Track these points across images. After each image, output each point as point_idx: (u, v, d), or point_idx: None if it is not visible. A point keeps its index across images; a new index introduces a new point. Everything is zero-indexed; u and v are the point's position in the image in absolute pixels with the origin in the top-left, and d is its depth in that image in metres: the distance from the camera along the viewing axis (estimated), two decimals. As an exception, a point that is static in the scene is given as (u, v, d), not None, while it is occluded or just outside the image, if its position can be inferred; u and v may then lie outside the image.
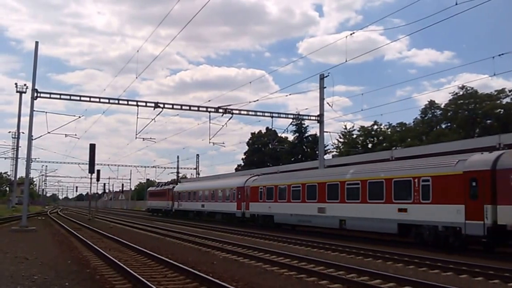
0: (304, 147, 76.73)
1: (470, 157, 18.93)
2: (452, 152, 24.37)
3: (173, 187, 57.96)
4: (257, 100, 36.23)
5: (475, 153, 19.68)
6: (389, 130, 69.92)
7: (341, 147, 68.83)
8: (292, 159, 71.90)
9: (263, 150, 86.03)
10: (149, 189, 78.06)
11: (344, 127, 69.94)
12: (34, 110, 29.64)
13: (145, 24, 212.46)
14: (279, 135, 58.06)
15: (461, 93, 58.22)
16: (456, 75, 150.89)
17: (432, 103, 63.55)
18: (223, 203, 40.11)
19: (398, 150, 45.25)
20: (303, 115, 36.23)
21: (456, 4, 19.41)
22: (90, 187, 57.71)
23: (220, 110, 33.59)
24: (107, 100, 32.26)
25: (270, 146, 71.19)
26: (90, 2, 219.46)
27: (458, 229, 18.37)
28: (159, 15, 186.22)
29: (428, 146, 37.28)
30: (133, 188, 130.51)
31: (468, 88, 57.46)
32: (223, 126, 35.48)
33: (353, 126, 69.48)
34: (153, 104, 32.43)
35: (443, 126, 62.18)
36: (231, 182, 41.22)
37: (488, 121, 55.69)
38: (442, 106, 61.92)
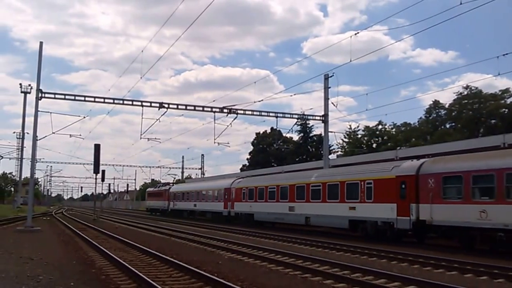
0: (308, 147, 76.62)
1: (402, 164, 22.58)
2: (456, 152, 24.56)
3: (169, 188, 61.37)
4: (262, 100, 36.46)
5: (407, 160, 23.32)
6: (393, 130, 69.75)
7: (346, 147, 68.65)
8: (297, 159, 71.77)
9: (267, 150, 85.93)
10: (148, 189, 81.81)
11: (348, 127, 69.80)
12: (39, 111, 29.67)
13: (149, 24, 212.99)
14: (283, 135, 58.04)
15: (465, 93, 58.00)
16: (461, 75, 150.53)
17: (436, 103, 63.38)
18: (212, 203, 43.49)
19: (402, 150, 45.19)
20: (308, 115, 36.22)
21: (461, 3, 19.39)
22: (95, 187, 58.06)
23: (225, 110, 33.60)
24: (111, 101, 32.33)
25: (275, 146, 71.40)
26: (94, 2, 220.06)
27: (391, 224, 21.76)
28: (163, 15, 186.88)
29: (433, 146, 37.18)
30: (138, 188, 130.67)
31: (473, 88, 57.26)
32: (228, 126, 35.65)
33: (357, 126, 69.39)
34: (157, 104, 32.46)
35: (448, 126, 61.98)
36: (219, 183, 44.76)
37: (493, 121, 55.45)
38: (447, 106, 61.74)
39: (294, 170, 41.72)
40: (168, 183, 71.82)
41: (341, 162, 38.85)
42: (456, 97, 59.12)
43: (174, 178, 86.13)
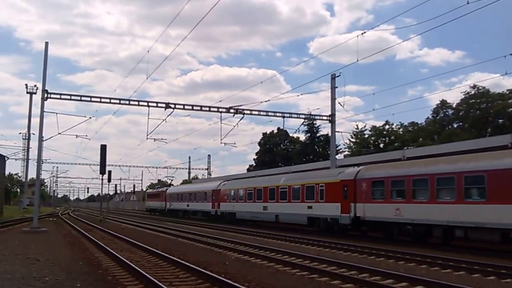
0: (315, 147, 76.41)
1: (345, 170, 26.81)
2: (463, 152, 24.58)
3: (166, 189, 65.83)
4: (269, 100, 36.44)
5: (350, 167, 27.64)
6: (400, 129, 69.51)
7: (353, 147, 68.54)
8: (304, 159, 71.62)
9: (274, 150, 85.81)
10: (147, 191, 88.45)
11: (355, 126, 69.74)
12: (45, 111, 29.73)
13: (154, 24, 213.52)
14: (290, 135, 57.99)
15: (472, 92, 57.70)
16: (468, 74, 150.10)
17: (443, 103, 63.06)
18: (202, 203, 47.88)
19: (410, 150, 44.95)
20: (315, 115, 36.10)
21: (468, 3, 19.22)
22: (102, 188, 58.10)
23: (232, 111, 33.50)
24: (118, 101, 32.35)
25: (282, 146, 71.22)
26: (99, 2, 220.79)
27: (337, 220, 25.93)
28: (169, 15, 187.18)
29: (440, 146, 36.97)
30: (144, 189, 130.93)
31: (480, 88, 56.98)
32: (234, 126, 35.55)
33: (364, 126, 69.27)
34: (164, 105, 32.41)
35: (455, 125, 61.67)
36: (207, 186, 49.26)
37: (500, 121, 55.12)
38: (454, 105, 61.43)
39: (300, 170, 41.91)
40: (165, 185, 76.30)
41: (348, 162, 38.71)
42: (463, 96, 58.93)
43: (171, 180, 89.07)
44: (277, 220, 32.59)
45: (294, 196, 30.34)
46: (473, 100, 57.57)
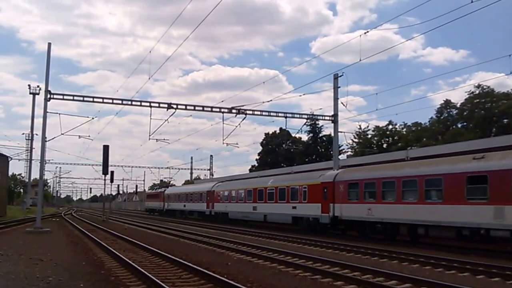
0: (318, 147, 76.17)
1: (326, 173, 28.93)
2: (467, 152, 24.42)
3: (164, 190, 68.21)
4: (271, 100, 36.03)
5: (330, 170, 30.38)
6: (404, 130, 69.30)
7: (356, 147, 68.43)
8: (306, 160, 71.48)
9: (277, 150, 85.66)
10: (146, 192, 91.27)
11: (358, 127, 69.55)
12: (48, 112, 29.72)
13: (156, 24, 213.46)
14: (293, 135, 57.94)
15: (477, 92, 57.50)
16: (472, 73, 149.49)
17: (447, 103, 62.92)
18: (198, 204, 50.28)
19: (413, 150, 44.73)
20: (317, 115, 36.04)
21: (472, 2, 19.15)
22: (104, 189, 57.91)
23: (234, 111, 33.44)
24: (120, 101, 32.34)
25: (284, 147, 71.05)
26: (101, 3, 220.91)
27: (318, 219, 27.88)
28: (171, 15, 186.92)
29: (444, 146, 36.82)
30: (147, 189, 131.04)
31: (484, 87, 56.81)
32: (236, 126, 35.33)
33: (367, 126, 69.05)
34: (166, 105, 32.38)
35: (459, 125, 61.48)
36: (203, 187, 51.56)
37: (505, 120, 54.95)
38: (458, 105, 61.26)
39: (303, 170, 41.96)
40: (163, 186, 79.04)
41: (351, 163, 38.64)
42: (467, 96, 58.75)
43: (170, 181, 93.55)
44: (265, 220, 34.73)
45: (281, 197, 32.37)
46: (478, 100, 57.39)
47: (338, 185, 26.39)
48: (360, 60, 28.43)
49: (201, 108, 33.82)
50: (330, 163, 38.31)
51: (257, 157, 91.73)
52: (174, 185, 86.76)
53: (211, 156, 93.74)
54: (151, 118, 32.93)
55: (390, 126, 68.18)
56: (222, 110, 33.46)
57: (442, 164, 20.48)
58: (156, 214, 68.60)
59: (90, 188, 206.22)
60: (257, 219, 36.00)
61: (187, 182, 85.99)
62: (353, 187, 25.23)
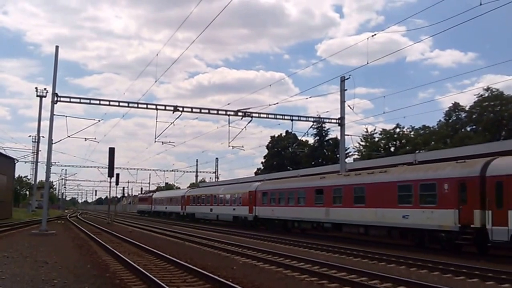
0: (324, 150, 75.91)
1: (252, 184, 39.58)
2: (476, 155, 24.02)
3: (152, 194, 79.94)
4: (277, 103, 36.67)
5: (256, 182, 40.73)
6: (412, 133, 68.78)
7: (363, 151, 68.04)
8: (313, 163, 71.18)
9: (283, 153, 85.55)
10: (138, 195, 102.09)
11: (365, 130, 68.95)
12: (54, 114, 29.73)
13: (162, 27, 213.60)
14: (299, 138, 57.66)
15: (486, 94, 56.90)
16: (480, 76, 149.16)
17: (456, 105, 62.38)
18: (175, 206, 62.05)
19: (421, 154, 44.37)
20: (324, 118, 36.10)
21: (481, 4, 19.04)
22: (109, 191, 57.93)
23: (240, 114, 33.35)
24: (126, 104, 32.36)
25: (290, 150, 70.91)
26: (108, 6, 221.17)
27: (247, 218, 38.31)
28: (176, 18, 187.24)
29: (453, 150, 36.45)
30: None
31: (493, 90, 56.25)
32: (242, 129, 35.42)
33: (374, 129, 68.40)
34: (172, 108, 32.34)
35: (468, 128, 60.84)
36: (179, 192, 64.68)
37: (514, 123, 54.55)
38: (467, 108, 60.72)
39: (309, 174, 42.06)
40: (152, 191, 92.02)
41: (357, 166, 38.42)
42: (476, 99, 58.16)
43: (158, 185, 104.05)
44: (218, 218, 45.74)
45: (227, 201, 43.63)
46: (487, 103, 56.78)
47: (257, 193, 36.98)
48: (367, 62, 28.32)
49: (207, 111, 33.82)
50: (337, 166, 38.18)
51: (263, 160, 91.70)
52: (151, 191, 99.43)
53: (217, 158, 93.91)
54: (157, 121, 32.98)
55: (398, 129, 67.73)
56: (228, 113, 33.43)
57: (301, 181, 33.52)
58: (146, 215, 78.05)
59: (96, 191, 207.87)
60: (212, 218, 47.22)
61: (192, 185, 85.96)
62: (265, 195, 35.76)
